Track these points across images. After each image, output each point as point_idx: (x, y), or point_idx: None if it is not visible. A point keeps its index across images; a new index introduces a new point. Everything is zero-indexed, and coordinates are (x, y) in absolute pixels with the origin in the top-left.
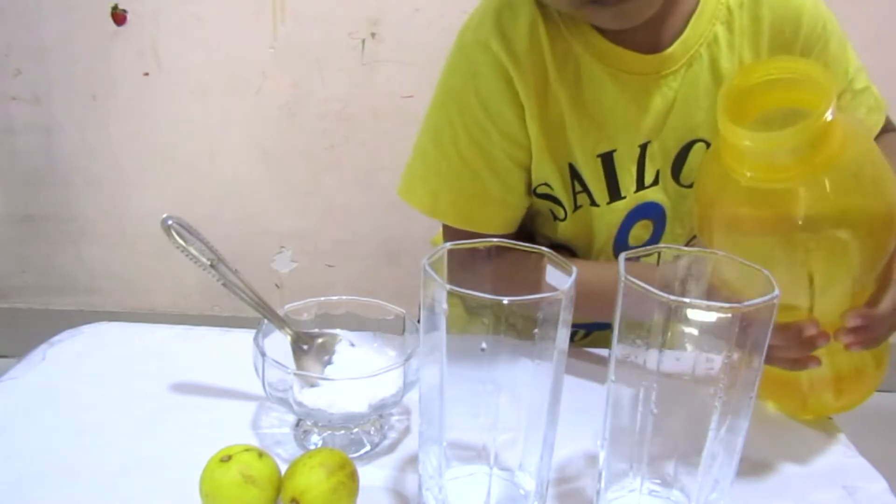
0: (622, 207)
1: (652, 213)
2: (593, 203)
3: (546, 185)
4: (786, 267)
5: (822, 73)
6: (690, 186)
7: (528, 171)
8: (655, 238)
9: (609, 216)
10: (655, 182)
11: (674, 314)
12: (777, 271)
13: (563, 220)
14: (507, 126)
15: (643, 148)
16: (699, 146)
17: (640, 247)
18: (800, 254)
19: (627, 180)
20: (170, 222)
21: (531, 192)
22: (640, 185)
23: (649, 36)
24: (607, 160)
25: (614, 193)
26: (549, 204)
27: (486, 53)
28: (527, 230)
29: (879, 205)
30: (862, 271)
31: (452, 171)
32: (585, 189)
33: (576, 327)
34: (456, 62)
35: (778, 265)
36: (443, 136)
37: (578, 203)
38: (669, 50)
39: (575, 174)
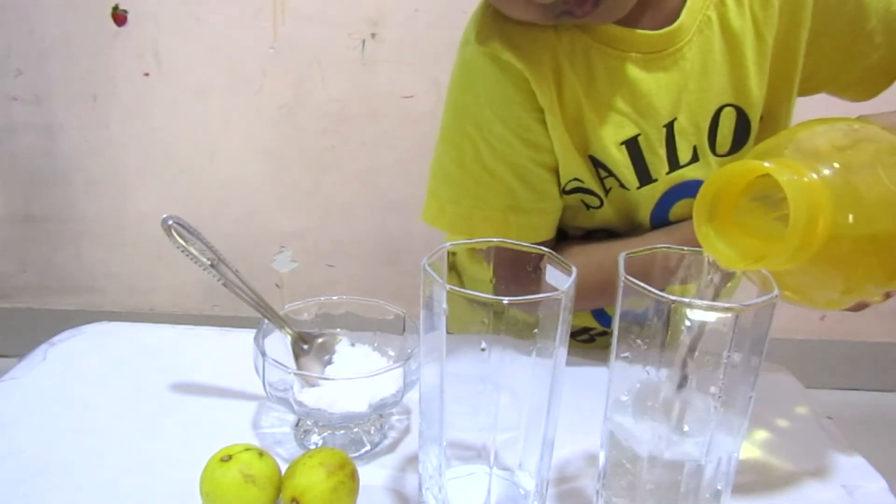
0: (654, 190)
1: (695, 192)
2: (623, 186)
3: (576, 179)
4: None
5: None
6: (727, 155)
7: (557, 173)
8: None
9: (641, 199)
10: (695, 159)
11: (673, 314)
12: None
13: (600, 207)
14: (528, 133)
15: (669, 127)
16: (728, 111)
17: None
18: None
19: (657, 163)
20: (170, 222)
21: (562, 192)
22: (675, 166)
23: (654, 12)
24: (632, 146)
25: (644, 178)
26: (580, 196)
27: (495, 63)
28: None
29: None
30: None
31: (482, 187)
32: (611, 174)
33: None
34: (463, 78)
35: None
36: (465, 155)
37: (608, 186)
38: (678, 21)
39: (597, 163)
